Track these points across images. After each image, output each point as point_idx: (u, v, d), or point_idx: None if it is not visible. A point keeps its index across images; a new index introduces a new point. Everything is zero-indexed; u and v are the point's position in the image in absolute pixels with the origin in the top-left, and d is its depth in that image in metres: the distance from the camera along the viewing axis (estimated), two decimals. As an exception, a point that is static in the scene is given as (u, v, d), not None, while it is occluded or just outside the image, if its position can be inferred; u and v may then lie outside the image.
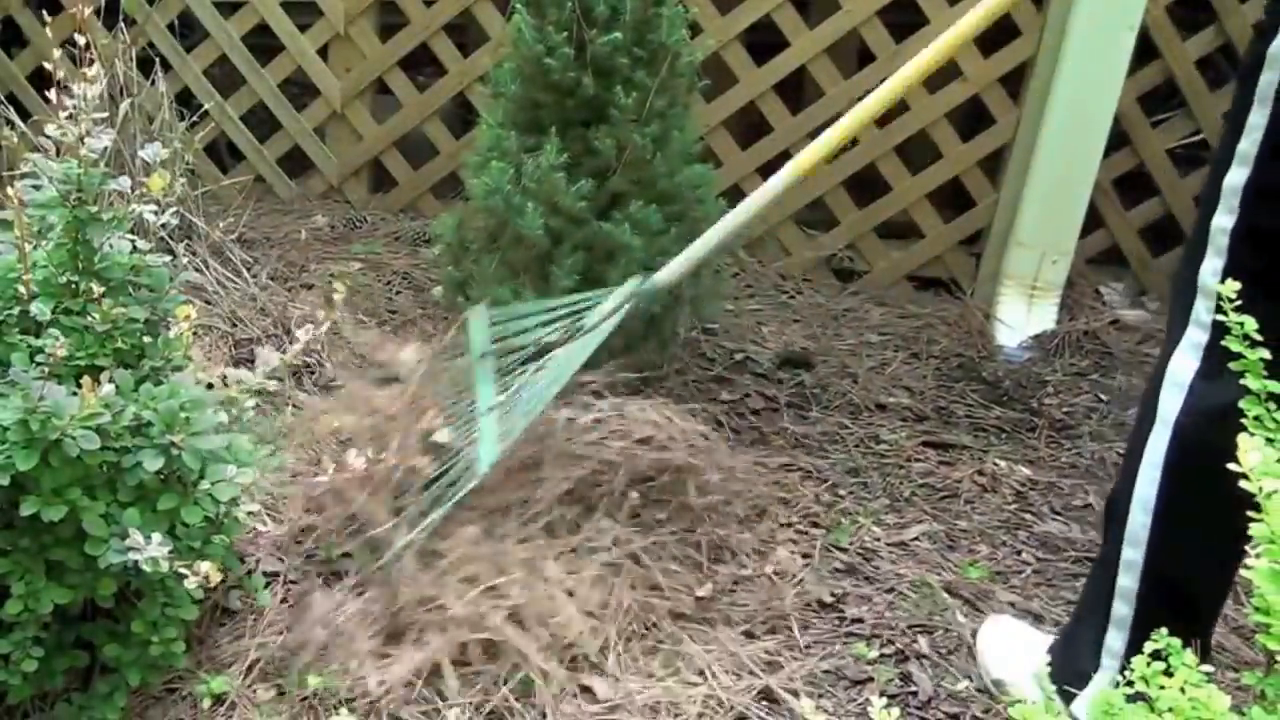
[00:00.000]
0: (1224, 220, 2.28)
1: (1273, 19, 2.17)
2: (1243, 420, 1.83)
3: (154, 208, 2.68)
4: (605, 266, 3.42)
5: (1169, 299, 2.50)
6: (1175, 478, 2.41)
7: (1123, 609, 2.53)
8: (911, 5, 4.57)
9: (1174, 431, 2.39)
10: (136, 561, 2.31)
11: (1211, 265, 2.31)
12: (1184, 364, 2.38)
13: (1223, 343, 2.06)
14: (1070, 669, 2.57)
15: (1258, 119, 2.21)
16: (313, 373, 3.91)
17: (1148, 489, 2.45)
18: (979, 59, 4.59)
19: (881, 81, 4.48)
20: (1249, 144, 2.23)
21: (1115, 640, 2.55)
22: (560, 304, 3.28)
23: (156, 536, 2.32)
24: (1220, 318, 2.18)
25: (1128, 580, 2.52)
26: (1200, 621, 2.57)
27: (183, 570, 2.34)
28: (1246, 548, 2.46)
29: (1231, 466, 1.61)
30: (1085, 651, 2.60)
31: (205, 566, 2.35)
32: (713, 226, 3.15)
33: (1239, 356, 1.88)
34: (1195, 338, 2.34)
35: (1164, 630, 1.73)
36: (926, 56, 3.00)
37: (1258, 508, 1.62)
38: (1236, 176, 2.24)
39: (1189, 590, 2.48)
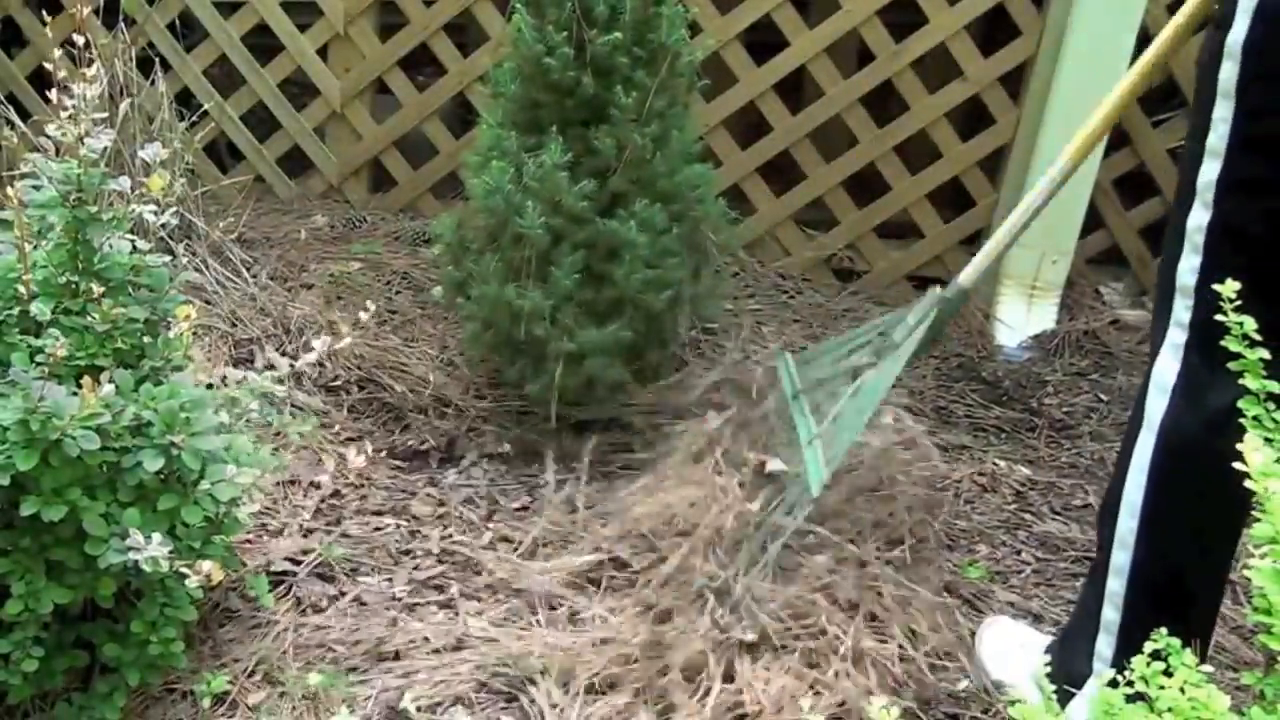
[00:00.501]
0: (1199, 217, 2.27)
1: (1228, 8, 2.17)
2: (1228, 422, 1.83)
3: (154, 208, 2.67)
4: (607, 265, 3.42)
5: (1154, 300, 2.50)
6: (1161, 481, 2.41)
7: (1111, 614, 2.53)
8: (911, 5, 4.57)
9: (1158, 435, 2.39)
10: (137, 561, 2.31)
11: (1189, 263, 2.30)
12: (1166, 366, 2.38)
13: (1205, 343, 2.07)
14: (1066, 672, 2.57)
15: (1223, 112, 2.21)
16: (313, 374, 3.91)
17: (1135, 493, 2.45)
18: (979, 59, 4.59)
19: (882, 82, 4.52)
20: (1217, 138, 2.22)
21: (1104, 646, 2.55)
22: (861, 332, 3.34)
23: (156, 536, 2.32)
24: (1201, 317, 2.20)
25: (1115, 585, 2.52)
26: (1189, 625, 2.57)
27: (184, 570, 2.34)
28: (1234, 549, 2.48)
29: (1237, 466, 1.61)
30: (1079, 655, 2.61)
31: (207, 566, 2.35)
32: (1005, 222, 3.16)
33: (1222, 356, 1.90)
34: (1176, 339, 2.34)
35: (1158, 633, 1.74)
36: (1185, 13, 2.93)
37: (1246, 508, 1.63)
38: (1209, 171, 2.24)
39: (1176, 594, 2.48)
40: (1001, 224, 3.12)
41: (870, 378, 3.15)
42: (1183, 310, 2.32)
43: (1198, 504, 2.38)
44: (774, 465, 3.23)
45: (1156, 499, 2.42)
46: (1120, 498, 2.48)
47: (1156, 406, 2.39)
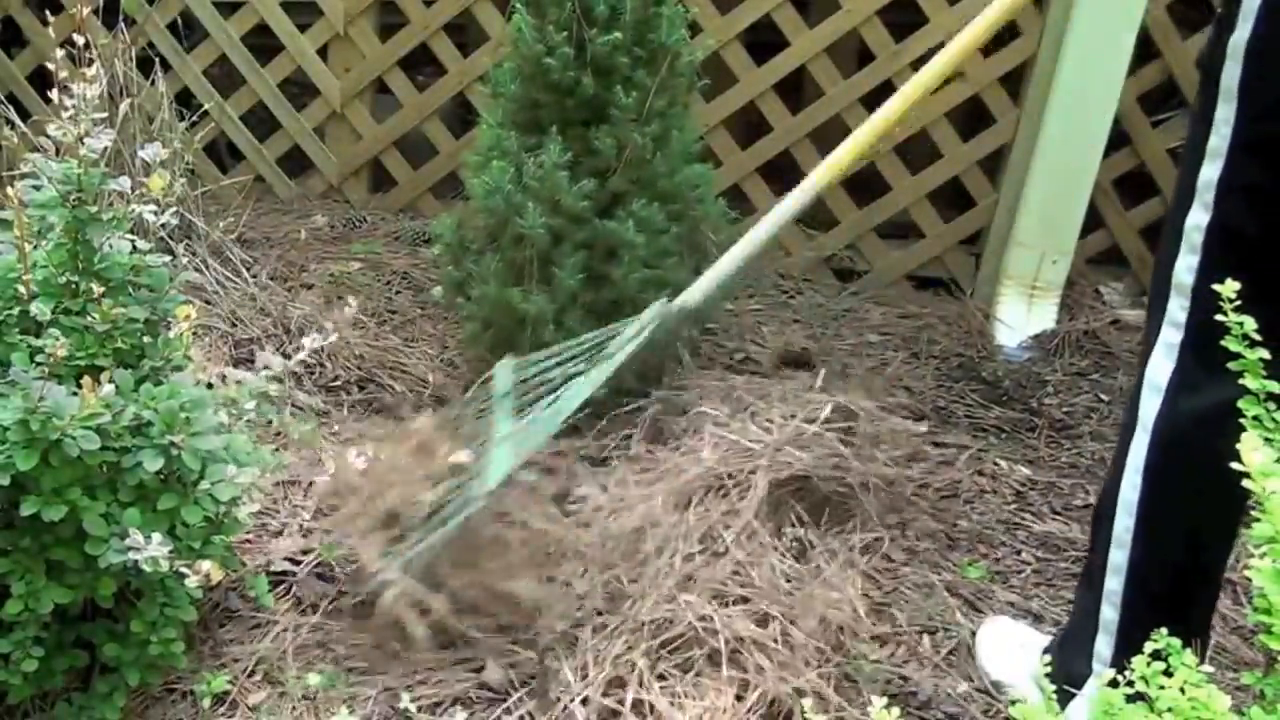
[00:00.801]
0: (1198, 217, 2.27)
1: (1230, 9, 2.17)
2: (1222, 421, 1.83)
3: (154, 208, 2.68)
4: (607, 265, 3.43)
5: (1148, 298, 2.50)
6: (1156, 480, 2.41)
7: (1110, 613, 2.53)
8: (911, 5, 4.58)
9: (1152, 434, 2.39)
10: (137, 561, 2.31)
11: (1186, 262, 2.30)
12: (1160, 365, 2.38)
13: (1200, 343, 2.07)
14: (1066, 672, 2.57)
15: (1224, 113, 2.21)
16: (313, 374, 3.91)
17: (1130, 493, 2.45)
18: (979, 59, 4.59)
19: (882, 82, 4.51)
20: (1218, 139, 2.22)
21: (1103, 645, 2.55)
22: (583, 340, 3.26)
23: (156, 536, 2.32)
24: (1197, 317, 2.20)
25: (1114, 584, 2.52)
26: (1188, 624, 2.57)
27: (183, 570, 2.34)
28: (1231, 548, 2.48)
29: (1235, 466, 1.61)
30: (1078, 655, 2.61)
31: (206, 565, 2.35)
32: (734, 246, 3.15)
33: (1216, 356, 1.90)
34: (1170, 338, 2.34)
35: (1158, 633, 1.74)
36: (931, 70, 2.99)
37: (1243, 507, 1.63)
38: (1209, 172, 2.24)
39: (1174, 593, 2.49)
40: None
41: (575, 385, 3.12)
42: (1178, 310, 2.32)
43: (1193, 502, 2.38)
44: (458, 457, 3.16)
45: (1152, 498, 2.42)
46: (1116, 497, 2.48)
47: (1150, 406, 2.40)
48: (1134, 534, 2.46)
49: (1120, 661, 1.70)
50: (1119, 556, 2.49)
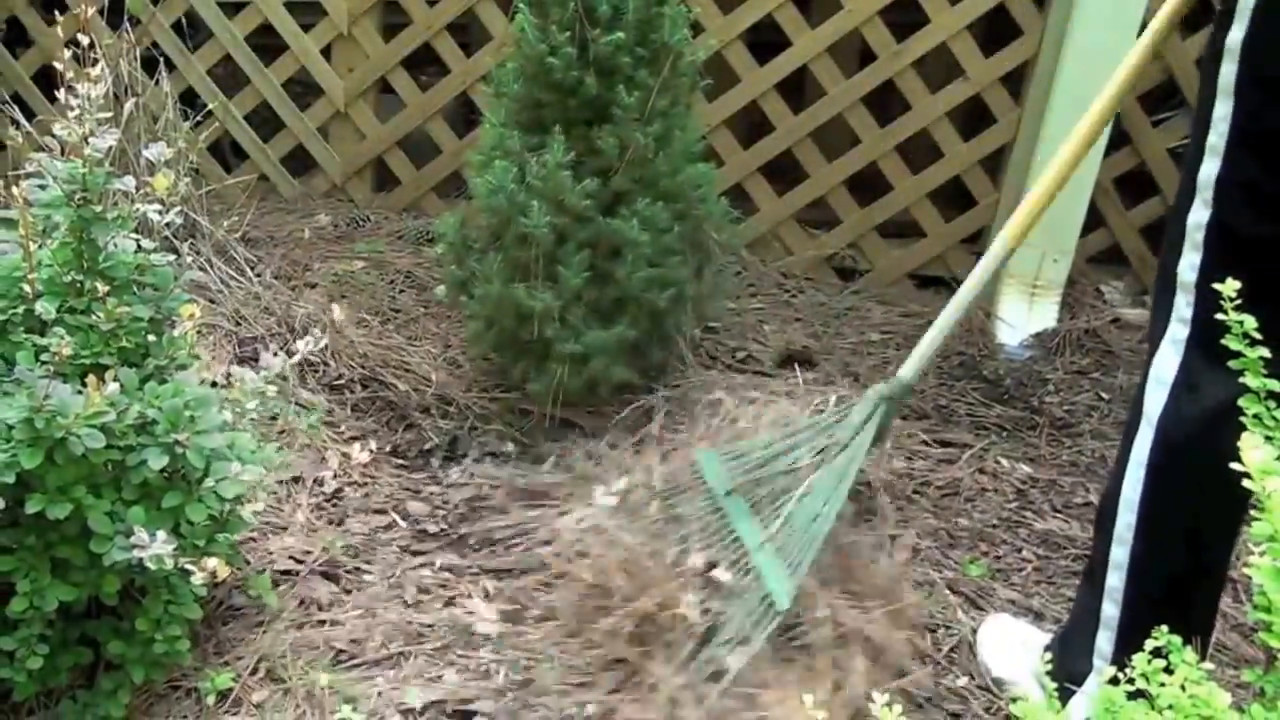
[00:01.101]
0: (1199, 215, 2.28)
1: (1228, 7, 2.17)
2: (1227, 418, 1.84)
3: (158, 207, 2.68)
4: (611, 263, 3.43)
5: (1152, 296, 2.50)
6: (1159, 477, 2.42)
7: (1111, 610, 2.53)
8: (913, 4, 4.58)
9: (1157, 431, 2.39)
10: (141, 559, 2.32)
11: (1189, 260, 2.31)
12: (1166, 361, 2.38)
13: (1206, 339, 2.07)
14: (1066, 670, 2.58)
15: (1222, 110, 2.21)
16: (317, 372, 3.92)
17: (1132, 489, 2.45)
18: (980, 59, 4.60)
19: (884, 82, 4.52)
20: (1216, 137, 2.23)
21: (1104, 642, 2.55)
22: (797, 429, 3.19)
23: (161, 534, 2.34)
24: (1201, 314, 2.21)
25: (1115, 580, 2.52)
26: (1189, 622, 2.57)
27: (189, 566, 2.35)
28: (1233, 545, 2.48)
29: (1235, 466, 1.61)
30: (1079, 653, 2.61)
31: (212, 563, 2.36)
32: (943, 311, 3.09)
33: (1222, 353, 1.90)
34: (1176, 334, 2.34)
35: (1159, 631, 1.74)
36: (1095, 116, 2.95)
37: (1245, 504, 1.63)
38: (1209, 170, 2.24)
39: (1175, 590, 2.49)
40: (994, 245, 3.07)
41: (822, 478, 3.00)
42: (1184, 306, 2.33)
43: (1196, 499, 2.38)
44: (721, 573, 2.96)
45: (1154, 494, 2.42)
46: (1119, 494, 2.48)
47: (1155, 401, 2.40)
48: (1135, 531, 2.46)
49: (1121, 659, 1.71)
50: (1120, 553, 2.50)
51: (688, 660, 2.78)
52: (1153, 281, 4.13)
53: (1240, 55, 2.16)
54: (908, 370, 3.08)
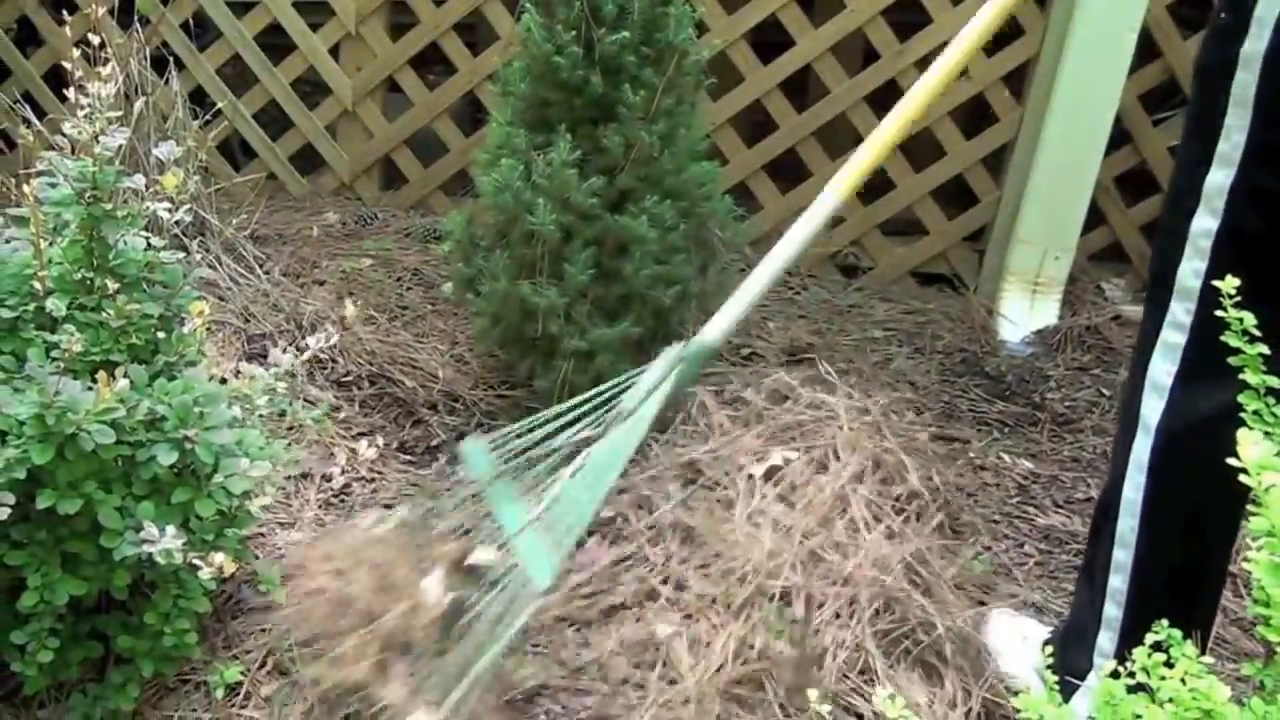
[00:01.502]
0: (1206, 222, 2.28)
1: (1240, 16, 2.18)
2: (1227, 420, 1.84)
3: (168, 205, 2.70)
4: (617, 261, 3.44)
5: (1145, 301, 2.51)
6: (1160, 481, 2.43)
7: (1113, 610, 2.55)
8: (915, 5, 4.60)
9: (1155, 436, 2.41)
10: (150, 554, 2.34)
11: (1192, 267, 2.31)
12: (1162, 366, 2.39)
13: (1207, 343, 2.08)
14: (1066, 668, 2.59)
15: (1236, 120, 2.21)
16: (325, 369, 3.94)
17: (1133, 493, 2.47)
18: (983, 58, 4.61)
19: (887, 81, 4.53)
20: (1229, 146, 2.23)
21: (1106, 641, 2.57)
22: (577, 403, 3.02)
23: (170, 529, 2.35)
24: (1203, 319, 2.22)
25: (1118, 582, 2.54)
26: (1190, 620, 2.59)
27: (197, 561, 2.37)
28: (1234, 543, 2.50)
29: (1231, 462, 1.63)
30: (1079, 651, 2.63)
31: (219, 558, 2.38)
32: (751, 274, 3.02)
33: (1221, 357, 1.90)
34: (1172, 339, 2.35)
35: (1159, 625, 1.76)
36: (935, 75, 2.99)
37: (1244, 502, 1.65)
38: (1218, 178, 2.24)
39: (1178, 590, 2.51)
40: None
41: (599, 451, 2.89)
42: (1181, 313, 2.34)
43: (1197, 502, 2.40)
44: (477, 557, 2.87)
45: (1156, 498, 2.44)
46: (1119, 497, 2.50)
47: (1152, 407, 2.41)
48: (1138, 534, 2.48)
49: (1123, 658, 1.72)
50: (1123, 555, 2.51)
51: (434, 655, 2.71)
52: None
53: (1260, 67, 2.16)
54: (711, 331, 2.98)
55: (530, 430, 2.98)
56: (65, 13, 3.41)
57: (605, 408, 2.94)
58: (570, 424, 2.95)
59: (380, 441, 3.61)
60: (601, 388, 3.00)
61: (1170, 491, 2.41)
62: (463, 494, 3.02)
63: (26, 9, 5.12)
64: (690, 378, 3.01)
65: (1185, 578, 2.48)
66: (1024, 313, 4.65)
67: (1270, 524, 1.56)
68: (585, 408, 2.96)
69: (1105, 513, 2.56)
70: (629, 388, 2.96)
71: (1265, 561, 1.57)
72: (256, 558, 3.08)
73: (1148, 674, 1.64)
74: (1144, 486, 2.44)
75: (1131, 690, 1.63)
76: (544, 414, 2.98)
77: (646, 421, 2.88)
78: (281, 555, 3.17)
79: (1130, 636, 2.47)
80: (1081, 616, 2.67)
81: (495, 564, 2.81)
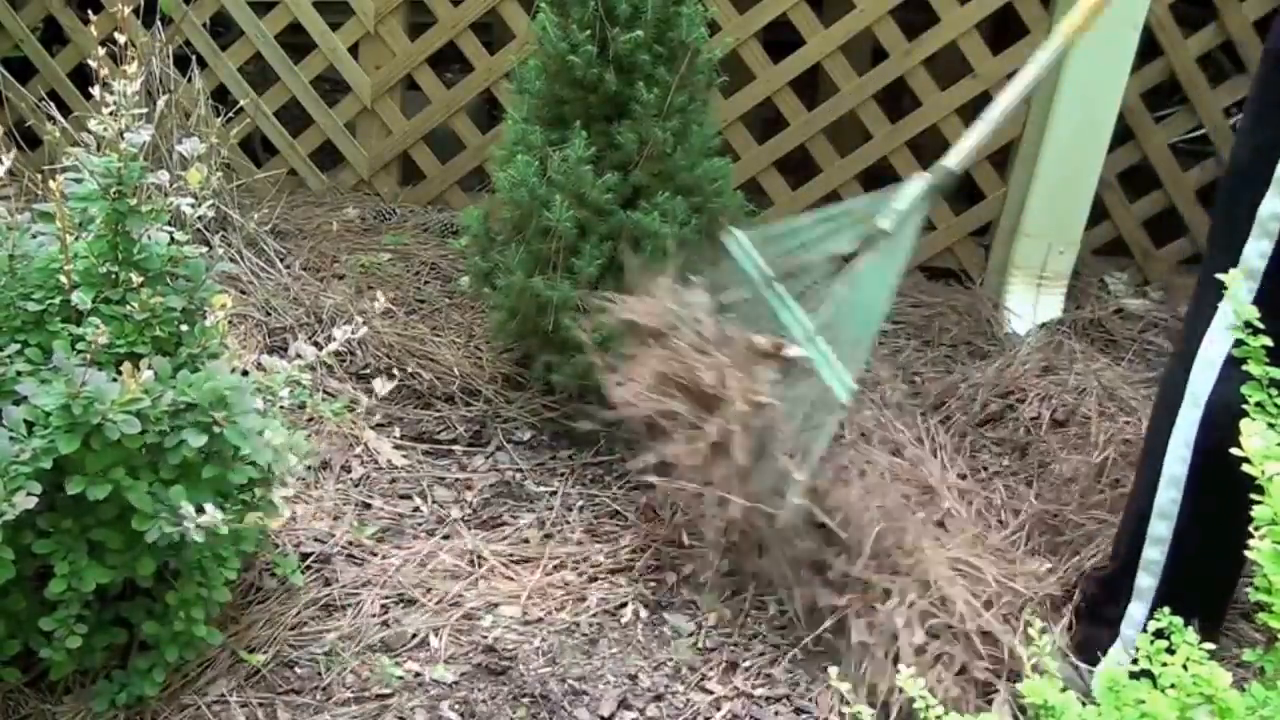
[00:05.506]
0: (1274, 205, 2.34)
1: None
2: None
3: (191, 200, 2.72)
4: (630, 255, 3.47)
5: (1199, 280, 2.54)
6: (1208, 456, 2.46)
7: (1147, 581, 2.59)
8: (923, 4, 4.64)
9: (1206, 411, 2.45)
10: (183, 535, 2.37)
11: (1257, 248, 2.36)
12: (1218, 345, 2.44)
13: (1268, 323, 2.11)
14: (1092, 641, 2.64)
15: None
16: (344, 362, 3.97)
17: (1178, 467, 2.50)
18: (989, 56, 4.65)
19: (895, 79, 4.56)
20: None
21: (1137, 611, 2.61)
22: (829, 215, 3.16)
23: (209, 505, 2.38)
24: (1268, 296, 2.23)
25: (1155, 554, 2.57)
26: (1225, 597, 2.63)
27: (235, 526, 2.39)
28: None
29: (1234, 452, 1.67)
30: (1109, 606, 2.67)
31: (253, 516, 2.42)
32: (995, 100, 3.13)
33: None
34: (1231, 317, 2.39)
35: (1161, 613, 1.80)
36: None
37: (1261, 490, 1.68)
38: None
39: (1215, 564, 2.54)
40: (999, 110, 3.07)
41: (866, 267, 2.99)
42: (1245, 293, 2.37)
43: (1243, 479, 2.44)
44: (793, 351, 2.94)
45: (1203, 471, 2.47)
46: (1159, 471, 2.54)
47: (1203, 381, 2.46)
48: (1181, 506, 2.53)
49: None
50: (1161, 528, 2.55)
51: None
52: (1166, 273, 4.17)
53: None
54: (954, 159, 3.13)
55: (785, 237, 3.11)
56: (90, 12, 3.44)
57: (857, 225, 3.01)
58: (827, 236, 3.05)
59: (398, 433, 3.66)
60: (842, 206, 3.19)
61: (1218, 467, 2.44)
62: (745, 293, 3.10)
63: (52, 8, 5.16)
64: (932, 203, 3.14)
65: (1224, 553, 2.52)
66: (1029, 306, 4.69)
67: (1273, 512, 1.61)
68: (841, 221, 3.07)
69: (1142, 484, 2.60)
70: (882, 206, 3.03)
71: (1267, 549, 1.61)
72: (276, 546, 3.13)
73: (1150, 660, 1.68)
74: (1190, 461, 2.49)
75: (1134, 676, 1.67)
76: (790, 224, 3.15)
77: (907, 244, 2.98)
78: (299, 545, 3.22)
79: (1163, 605, 2.50)
80: (1110, 586, 2.71)
81: (806, 360, 2.89)
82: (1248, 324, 1.93)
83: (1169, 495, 2.55)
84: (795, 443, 2.86)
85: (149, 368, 2.42)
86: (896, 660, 2.72)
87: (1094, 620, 2.80)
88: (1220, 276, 2.07)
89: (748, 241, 3.17)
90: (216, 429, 2.44)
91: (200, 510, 2.38)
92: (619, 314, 3.18)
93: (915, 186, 3.07)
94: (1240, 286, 2.34)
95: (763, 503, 2.88)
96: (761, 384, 2.92)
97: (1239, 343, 2.34)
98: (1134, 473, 2.81)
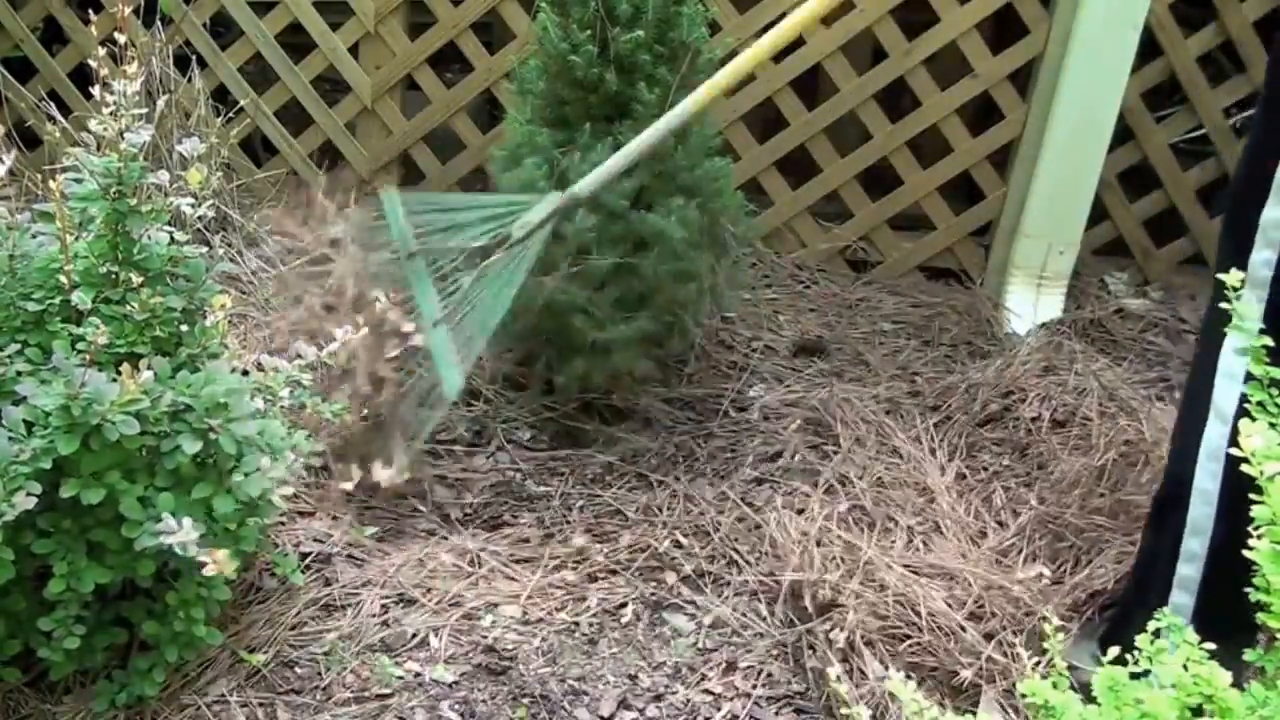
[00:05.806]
0: (1275, 213, 2.33)
1: None
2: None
3: (191, 200, 2.73)
4: (639, 256, 3.47)
5: (1212, 289, 2.54)
6: (1237, 467, 2.47)
7: (1183, 598, 2.57)
8: (923, 4, 4.63)
9: (1234, 424, 2.44)
10: (170, 544, 2.37)
11: (1263, 257, 2.35)
12: (1235, 356, 2.42)
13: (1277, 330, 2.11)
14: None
15: None
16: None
17: (1208, 482, 2.49)
18: (989, 56, 4.66)
19: (894, 79, 4.56)
20: None
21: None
22: (476, 203, 3.24)
23: (188, 521, 2.37)
24: (1274, 307, 2.23)
25: (1189, 570, 2.55)
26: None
27: (203, 559, 2.38)
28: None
29: (1233, 452, 1.66)
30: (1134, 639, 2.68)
31: (222, 555, 2.39)
32: (634, 139, 3.18)
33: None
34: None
35: (1161, 613, 1.80)
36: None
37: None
38: None
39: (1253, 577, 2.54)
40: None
41: (496, 269, 3.07)
42: (1254, 300, 2.36)
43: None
44: (417, 338, 3.09)
45: (1235, 485, 2.45)
46: (1189, 485, 2.53)
47: (1228, 395, 2.44)
48: (1216, 519, 2.51)
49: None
50: (1195, 543, 2.53)
51: None
52: (1166, 273, 4.17)
53: None
54: (584, 186, 3.20)
55: (435, 211, 3.18)
56: (90, 12, 3.44)
57: (496, 222, 3.11)
58: (469, 226, 3.12)
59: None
60: (492, 198, 3.23)
61: (1250, 479, 2.44)
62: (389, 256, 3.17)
63: (52, 8, 5.15)
64: (559, 225, 3.23)
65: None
66: (1029, 306, 4.69)
67: (1273, 512, 1.60)
68: (483, 213, 3.14)
69: (1171, 502, 2.59)
70: (516, 212, 3.14)
71: (1266, 549, 1.60)
72: (276, 546, 3.12)
73: (1150, 660, 1.68)
74: (1221, 475, 2.47)
75: (1135, 676, 1.67)
76: (440, 200, 3.26)
77: (532, 256, 3.07)
78: (299, 545, 3.22)
79: (1201, 621, 2.45)
80: (1140, 605, 2.69)
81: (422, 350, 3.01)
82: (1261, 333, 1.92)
83: (1202, 510, 2.53)
84: (410, 418, 2.99)
85: (149, 368, 2.43)
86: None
87: (1123, 643, 2.80)
88: (1221, 277, 2.06)
89: (401, 207, 3.23)
90: (213, 435, 2.44)
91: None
92: (276, 226, 3.30)
93: (549, 203, 3.16)
94: (1250, 296, 2.37)
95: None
96: (387, 359, 3.08)
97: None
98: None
